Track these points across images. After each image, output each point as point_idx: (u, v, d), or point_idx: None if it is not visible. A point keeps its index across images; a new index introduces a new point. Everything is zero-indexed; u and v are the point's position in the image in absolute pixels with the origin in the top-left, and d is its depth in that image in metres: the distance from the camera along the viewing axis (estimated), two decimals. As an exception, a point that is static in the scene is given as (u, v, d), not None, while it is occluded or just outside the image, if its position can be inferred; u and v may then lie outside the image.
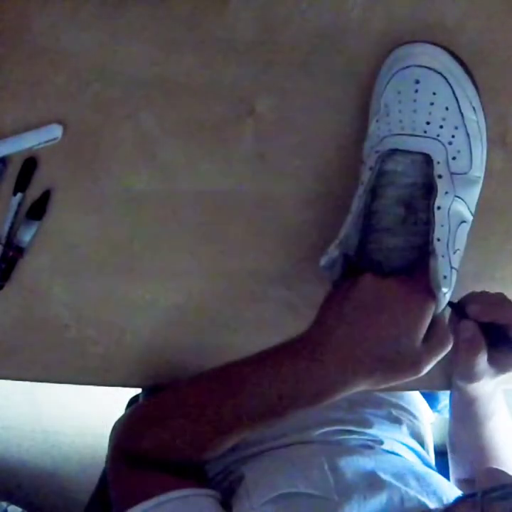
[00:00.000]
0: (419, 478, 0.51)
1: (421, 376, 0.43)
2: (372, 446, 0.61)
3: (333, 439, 0.60)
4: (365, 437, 0.62)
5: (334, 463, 0.50)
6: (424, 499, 0.48)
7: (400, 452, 0.63)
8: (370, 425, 0.64)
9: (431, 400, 0.88)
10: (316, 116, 0.54)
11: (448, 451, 0.69)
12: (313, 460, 0.51)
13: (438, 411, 1.57)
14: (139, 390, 0.95)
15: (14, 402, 1.78)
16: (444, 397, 1.56)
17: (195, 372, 0.61)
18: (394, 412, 0.69)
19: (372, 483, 0.48)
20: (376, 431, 0.64)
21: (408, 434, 0.68)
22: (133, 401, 0.96)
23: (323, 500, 0.45)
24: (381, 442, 0.62)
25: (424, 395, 0.83)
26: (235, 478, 0.52)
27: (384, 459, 0.55)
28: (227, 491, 0.49)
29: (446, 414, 1.77)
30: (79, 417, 1.79)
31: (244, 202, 0.57)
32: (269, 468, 0.50)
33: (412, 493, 0.48)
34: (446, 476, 0.65)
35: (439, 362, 0.44)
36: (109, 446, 0.52)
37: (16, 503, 1.77)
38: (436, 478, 0.54)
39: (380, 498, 0.46)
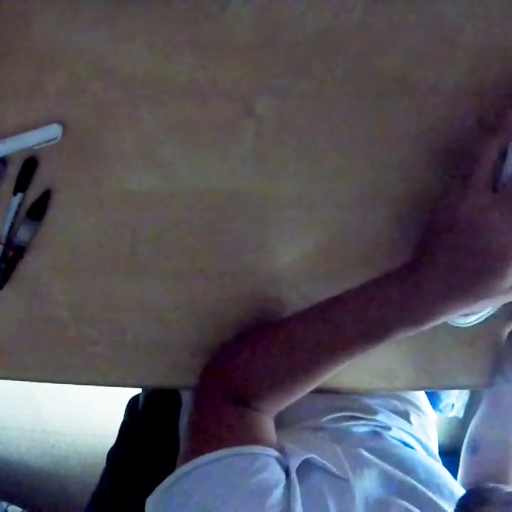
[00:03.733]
0: (427, 471, 0.52)
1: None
2: (380, 432, 0.62)
3: (341, 425, 0.62)
4: (373, 423, 0.63)
5: (347, 450, 0.52)
6: (431, 494, 0.48)
7: (407, 441, 0.63)
8: (375, 413, 0.65)
9: (432, 399, 0.88)
10: (316, 116, 0.53)
11: (464, 453, 0.69)
12: (327, 446, 0.53)
13: (439, 410, 1.58)
14: (139, 390, 0.95)
15: (14, 402, 1.78)
16: (446, 397, 1.57)
17: (194, 372, 0.61)
18: (400, 405, 0.70)
19: (382, 478, 0.49)
20: (383, 418, 0.65)
21: (414, 426, 0.69)
22: (133, 401, 0.96)
23: (338, 478, 0.47)
24: (389, 428, 0.63)
25: (426, 394, 0.83)
26: (262, 480, 0.53)
27: (393, 450, 0.56)
28: (252, 492, 0.50)
29: (448, 414, 1.77)
30: (79, 417, 1.80)
31: (244, 202, 0.57)
32: (288, 445, 0.51)
33: (420, 487, 0.48)
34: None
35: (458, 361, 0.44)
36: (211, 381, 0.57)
37: (16, 503, 1.77)
38: (444, 472, 0.55)
39: (390, 489, 0.47)
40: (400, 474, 0.49)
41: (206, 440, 0.49)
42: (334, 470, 0.47)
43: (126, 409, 0.95)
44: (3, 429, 1.83)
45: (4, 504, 1.73)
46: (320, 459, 0.47)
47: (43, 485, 1.89)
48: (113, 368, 0.64)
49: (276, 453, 0.47)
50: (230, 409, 0.52)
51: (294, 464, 0.46)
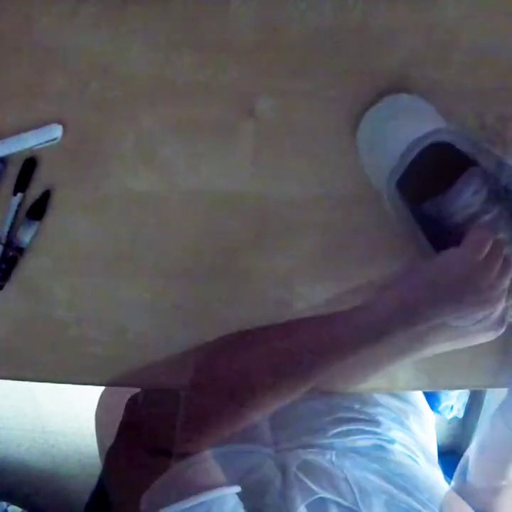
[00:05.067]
0: (430, 489, 0.53)
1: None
2: (384, 446, 0.63)
3: (347, 440, 0.62)
4: (377, 436, 0.64)
5: (354, 476, 0.52)
6: None
7: (410, 454, 0.65)
8: (379, 424, 0.66)
9: (431, 401, 0.87)
10: (316, 116, 0.53)
11: (474, 453, 0.68)
12: (336, 472, 0.53)
13: (438, 412, 1.58)
14: (138, 389, 0.95)
15: (14, 402, 1.78)
16: (445, 399, 1.57)
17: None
18: (401, 415, 0.71)
19: (389, 504, 0.50)
20: (386, 431, 0.66)
21: (416, 433, 0.70)
22: (132, 400, 0.96)
23: (350, 510, 0.47)
24: (393, 442, 0.64)
25: (425, 396, 0.83)
26: (259, 479, 0.52)
27: (397, 470, 0.57)
28: (250, 489, 0.49)
29: (447, 416, 1.76)
30: (79, 417, 1.79)
31: (244, 202, 0.57)
32: (299, 475, 0.52)
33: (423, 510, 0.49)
34: (447, 475, 0.66)
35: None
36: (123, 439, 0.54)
37: (16, 503, 1.77)
38: (446, 487, 0.55)
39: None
40: (406, 499, 0.50)
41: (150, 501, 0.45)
42: (346, 503, 0.48)
43: (125, 409, 0.95)
44: (3, 429, 1.83)
45: (4, 504, 1.73)
46: (332, 496, 0.48)
47: (43, 485, 1.89)
48: (113, 368, 0.64)
49: (227, 490, 0.45)
50: (161, 461, 0.48)
51: (304, 498, 0.46)
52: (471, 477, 0.66)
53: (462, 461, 0.68)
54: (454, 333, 0.54)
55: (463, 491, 0.67)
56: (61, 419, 1.80)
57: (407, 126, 0.48)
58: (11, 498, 1.79)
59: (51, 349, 0.64)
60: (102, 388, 0.84)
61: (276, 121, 0.54)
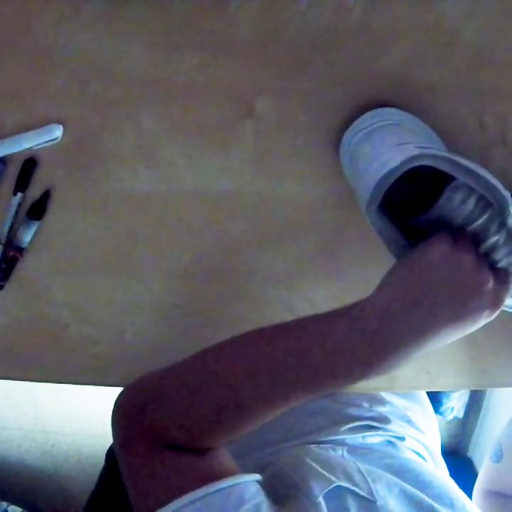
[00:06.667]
0: (441, 486, 0.53)
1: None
2: (394, 443, 0.64)
3: (358, 436, 0.63)
4: (388, 433, 0.64)
5: (367, 468, 0.52)
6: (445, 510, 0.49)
7: (419, 451, 0.65)
8: (388, 422, 0.66)
9: (433, 403, 0.88)
10: (316, 116, 0.53)
11: (488, 460, 0.68)
12: (349, 465, 0.53)
13: (440, 413, 1.59)
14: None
15: (14, 402, 1.78)
16: (447, 400, 1.58)
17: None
18: (409, 414, 0.71)
19: (402, 497, 0.50)
20: (396, 428, 0.66)
21: (423, 434, 0.70)
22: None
23: (367, 500, 0.47)
24: (402, 438, 0.65)
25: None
26: (274, 472, 0.52)
27: (409, 466, 0.57)
28: (264, 482, 0.48)
29: (449, 417, 1.76)
30: (79, 417, 1.80)
31: (244, 202, 0.57)
32: (313, 465, 0.51)
33: (436, 506, 0.49)
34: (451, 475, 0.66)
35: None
36: (123, 433, 0.48)
37: (16, 503, 1.77)
38: (454, 485, 0.55)
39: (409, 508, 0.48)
40: (418, 493, 0.50)
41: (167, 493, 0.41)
42: (362, 492, 0.47)
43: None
44: (3, 429, 1.83)
45: (4, 504, 1.73)
46: (348, 485, 0.47)
47: (43, 485, 1.89)
48: (113, 367, 0.64)
49: (247, 477, 0.44)
50: (181, 458, 0.44)
51: (322, 488, 0.45)
52: (506, 456, 0.66)
53: (497, 440, 0.68)
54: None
55: (498, 470, 0.67)
56: (61, 419, 1.81)
57: (381, 151, 0.46)
58: (11, 498, 1.79)
59: (51, 349, 0.64)
60: (100, 389, 0.83)
61: (276, 121, 0.54)
